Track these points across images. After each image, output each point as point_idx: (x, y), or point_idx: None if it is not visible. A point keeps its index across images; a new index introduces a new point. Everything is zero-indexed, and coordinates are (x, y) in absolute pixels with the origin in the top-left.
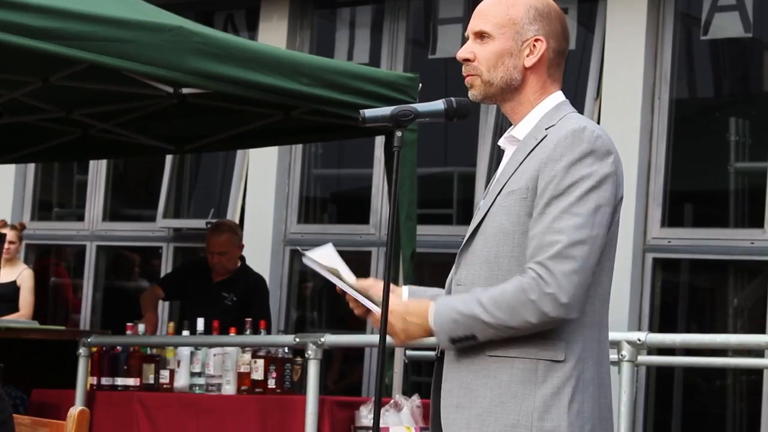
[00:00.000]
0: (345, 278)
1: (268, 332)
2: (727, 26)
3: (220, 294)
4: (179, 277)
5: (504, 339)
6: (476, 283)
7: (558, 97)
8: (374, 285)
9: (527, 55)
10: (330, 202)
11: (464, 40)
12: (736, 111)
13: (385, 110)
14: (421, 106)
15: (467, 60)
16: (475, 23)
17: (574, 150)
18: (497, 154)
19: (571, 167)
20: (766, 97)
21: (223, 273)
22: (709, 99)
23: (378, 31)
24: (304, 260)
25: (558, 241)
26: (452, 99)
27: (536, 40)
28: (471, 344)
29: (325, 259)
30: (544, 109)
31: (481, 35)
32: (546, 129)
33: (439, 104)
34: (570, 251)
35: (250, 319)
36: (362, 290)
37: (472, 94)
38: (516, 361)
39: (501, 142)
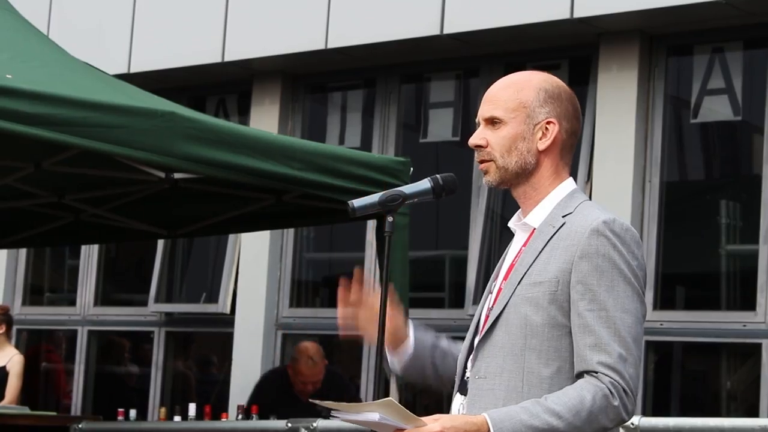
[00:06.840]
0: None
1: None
2: (717, 109)
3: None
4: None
5: None
6: (500, 377)
7: (570, 184)
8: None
9: (540, 138)
10: (322, 285)
11: (470, 124)
12: (727, 194)
13: (373, 198)
14: (408, 188)
15: (479, 146)
16: (486, 109)
17: (610, 243)
18: (489, 238)
19: (611, 261)
20: (756, 179)
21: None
22: (700, 182)
23: (369, 115)
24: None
25: (621, 343)
26: (438, 176)
27: (548, 123)
28: None
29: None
30: (558, 196)
31: (492, 121)
32: (563, 217)
33: (425, 183)
34: (632, 351)
35: (242, 404)
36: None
37: (487, 180)
38: None
39: (511, 226)
